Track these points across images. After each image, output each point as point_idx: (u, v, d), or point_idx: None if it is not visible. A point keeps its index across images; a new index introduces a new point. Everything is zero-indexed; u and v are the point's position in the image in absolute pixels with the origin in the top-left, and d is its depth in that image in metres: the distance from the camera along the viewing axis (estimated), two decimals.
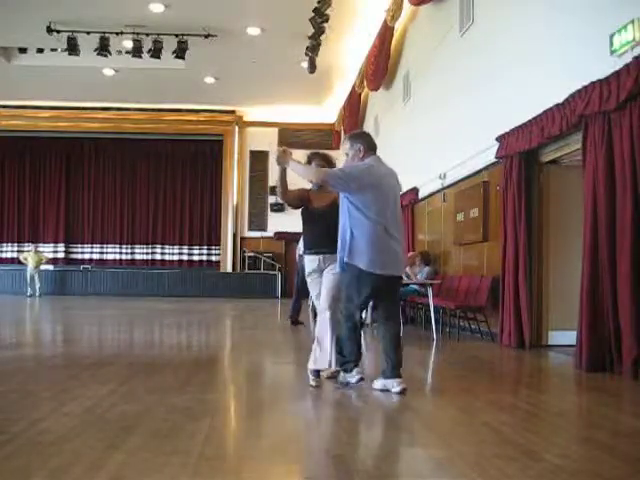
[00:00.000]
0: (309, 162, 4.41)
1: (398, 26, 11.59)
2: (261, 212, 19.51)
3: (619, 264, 4.73)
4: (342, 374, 4.13)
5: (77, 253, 20.56)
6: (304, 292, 6.02)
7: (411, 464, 2.59)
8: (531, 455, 2.62)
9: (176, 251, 20.53)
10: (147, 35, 12.66)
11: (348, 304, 4.00)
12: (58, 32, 12.27)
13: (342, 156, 4.16)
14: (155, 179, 20.62)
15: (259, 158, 19.32)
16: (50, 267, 19.58)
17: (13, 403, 3.55)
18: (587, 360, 4.94)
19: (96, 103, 18.29)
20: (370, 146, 4.09)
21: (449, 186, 9.09)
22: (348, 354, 4.06)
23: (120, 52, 13.41)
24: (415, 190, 10.68)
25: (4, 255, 20.31)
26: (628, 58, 4.66)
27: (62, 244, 20.35)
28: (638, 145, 4.56)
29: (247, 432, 3.18)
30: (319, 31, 11.46)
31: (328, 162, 4.41)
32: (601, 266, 4.95)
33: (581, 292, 5.14)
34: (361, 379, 4.07)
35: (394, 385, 3.89)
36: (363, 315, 4.47)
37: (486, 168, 7.68)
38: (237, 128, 19.36)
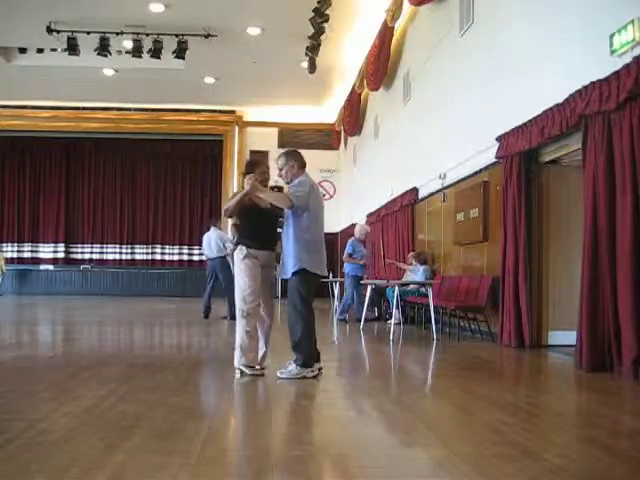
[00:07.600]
0: (248, 172, 4.74)
1: (398, 26, 11.59)
2: None
3: (619, 264, 4.73)
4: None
5: (77, 253, 20.53)
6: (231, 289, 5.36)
7: (411, 464, 2.59)
8: (531, 455, 2.62)
9: (176, 251, 20.52)
10: (147, 35, 12.64)
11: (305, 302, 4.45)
12: (58, 32, 12.26)
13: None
14: (155, 179, 20.60)
15: None
16: (50, 267, 19.62)
17: (13, 403, 3.55)
18: (587, 360, 4.94)
19: (96, 103, 18.28)
20: (302, 164, 4.58)
21: (449, 186, 9.09)
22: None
23: (120, 52, 13.39)
24: (415, 190, 10.67)
25: (4, 255, 20.28)
26: (628, 58, 4.66)
27: (62, 244, 20.32)
28: (638, 145, 4.56)
29: (247, 432, 3.18)
30: (319, 31, 11.44)
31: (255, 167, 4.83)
32: (601, 266, 4.95)
33: (581, 292, 5.14)
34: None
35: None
36: None
37: (486, 168, 7.68)
38: (237, 128, 19.33)
